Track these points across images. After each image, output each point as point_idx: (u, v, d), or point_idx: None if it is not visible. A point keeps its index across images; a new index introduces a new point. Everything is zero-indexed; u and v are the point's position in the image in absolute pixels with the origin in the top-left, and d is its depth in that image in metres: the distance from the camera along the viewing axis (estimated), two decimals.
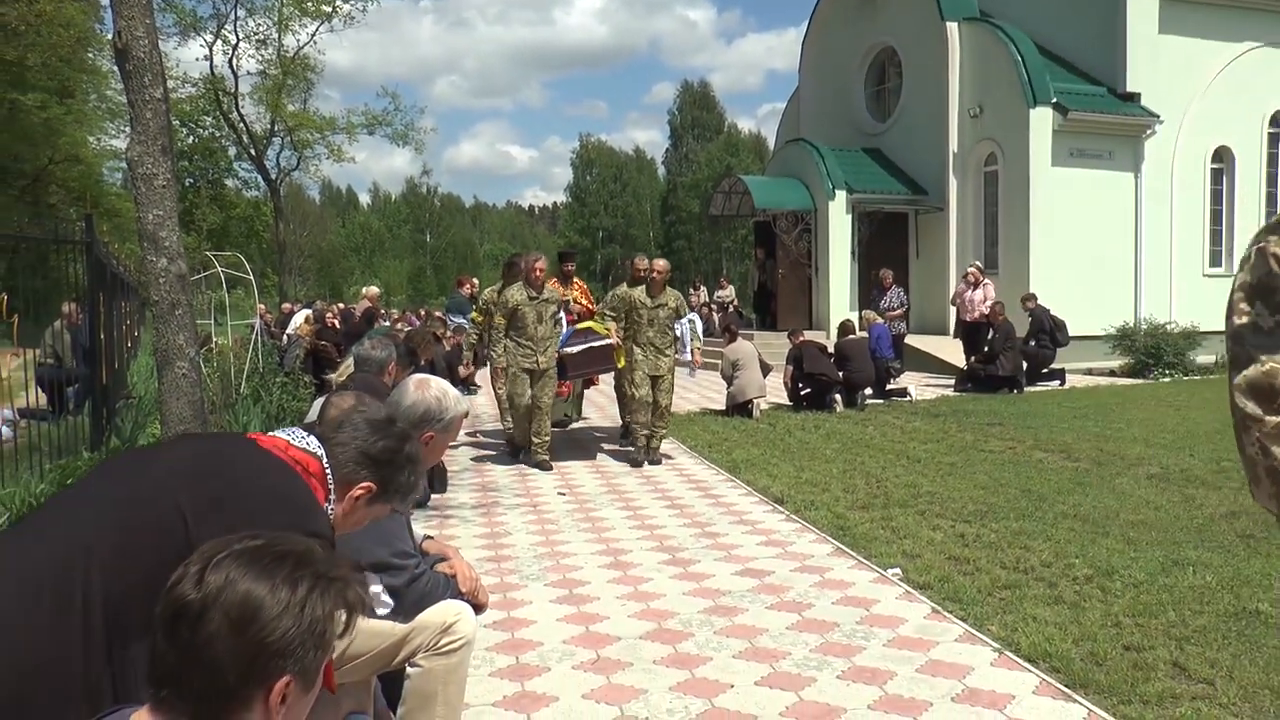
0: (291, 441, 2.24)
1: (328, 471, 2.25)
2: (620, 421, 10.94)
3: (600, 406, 13.60)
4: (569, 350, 9.64)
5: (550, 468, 9.26)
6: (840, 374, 13.14)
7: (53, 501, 2.13)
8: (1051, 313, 16.63)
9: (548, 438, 9.50)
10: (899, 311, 15.98)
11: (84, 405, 10.02)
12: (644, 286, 9.71)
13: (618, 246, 70.47)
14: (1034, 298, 16.99)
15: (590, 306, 10.91)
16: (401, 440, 2.39)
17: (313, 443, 2.26)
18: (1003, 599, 5.21)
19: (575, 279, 11.13)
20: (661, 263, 9.87)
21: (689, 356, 10.84)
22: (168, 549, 1.92)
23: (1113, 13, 20.05)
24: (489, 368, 10.26)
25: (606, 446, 10.52)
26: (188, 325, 6.86)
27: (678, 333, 10.03)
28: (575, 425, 12.02)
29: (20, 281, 9.56)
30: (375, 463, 2.33)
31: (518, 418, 9.56)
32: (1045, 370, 16.45)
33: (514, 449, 9.82)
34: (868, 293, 21.62)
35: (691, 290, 26.66)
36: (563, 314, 9.89)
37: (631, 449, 9.73)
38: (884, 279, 15.95)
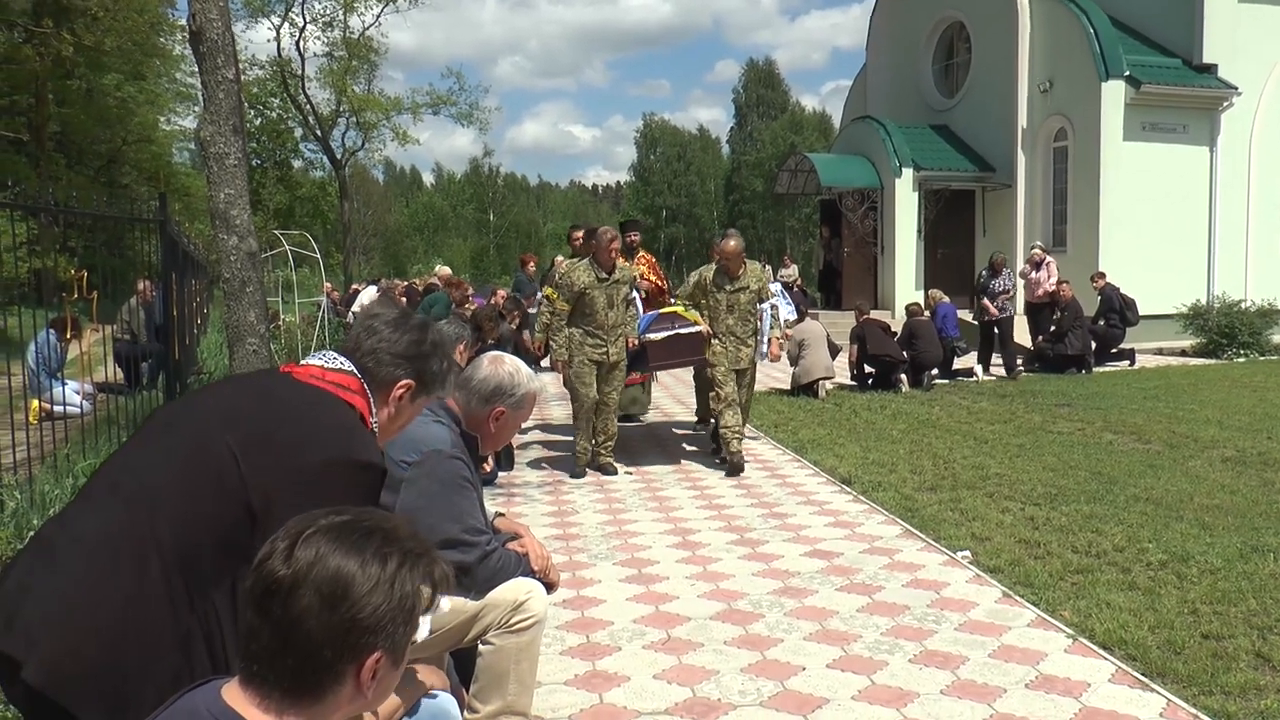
0: (326, 365, 2.27)
1: (365, 386, 2.28)
2: (696, 416, 10.18)
3: (667, 385, 13.58)
4: (652, 337, 8.36)
5: (615, 471, 8.17)
6: (905, 354, 13.03)
7: (109, 464, 2.17)
8: (1121, 291, 16.31)
9: (614, 437, 8.39)
10: (1011, 294, 15.12)
11: (157, 380, 10.23)
12: (719, 268, 8.47)
13: (681, 226, 70.32)
14: (1103, 276, 16.67)
15: (660, 283, 9.89)
16: (423, 330, 2.42)
17: (345, 362, 2.29)
18: (1075, 584, 5.13)
19: (643, 252, 10.00)
20: (732, 245, 8.41)
21: (765, 347, 9.28)
22: (223, 490, 1.96)
23: None
24: (550, 358, 8.86)
25: (687, 446, 9.46)
26: (258, 302, 6.98)
27: (765, 319, 8.86)
28: (649, 418, 11.02)
29: (99, 259, 9.81)
30: (406, 359, 2.36)
31: (582, 417, 8.26)
32: (1114, 350, 16.17)
33: (581, 456, 8.28)
34: (934, 271, 21.43)
35: None
36: (635, 294, 8.73)
37: (714, 447, 8.79)
38: (998, 262, 15.16)
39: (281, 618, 1.42)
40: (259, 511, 1.96)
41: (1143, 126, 19.33)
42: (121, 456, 2.15)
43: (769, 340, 9.23)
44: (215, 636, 1.94)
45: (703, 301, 8.48)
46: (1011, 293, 14.98)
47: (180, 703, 1.49)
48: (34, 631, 1.84)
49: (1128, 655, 4.18)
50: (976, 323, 15.29)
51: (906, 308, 14.14)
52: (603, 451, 8.29)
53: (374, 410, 2.29)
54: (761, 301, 8.68)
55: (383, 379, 2.34)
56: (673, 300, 9.25)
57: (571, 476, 8.07)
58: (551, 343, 8.34)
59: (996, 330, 14.70)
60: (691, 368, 9.59)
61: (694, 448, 9.40)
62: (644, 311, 8.92)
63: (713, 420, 8.89)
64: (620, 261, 8.35)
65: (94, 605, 1.87)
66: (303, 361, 2.32)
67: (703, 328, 8.28)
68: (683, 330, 8.32)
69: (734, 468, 8.13)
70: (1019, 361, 14.68)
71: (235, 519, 1.96)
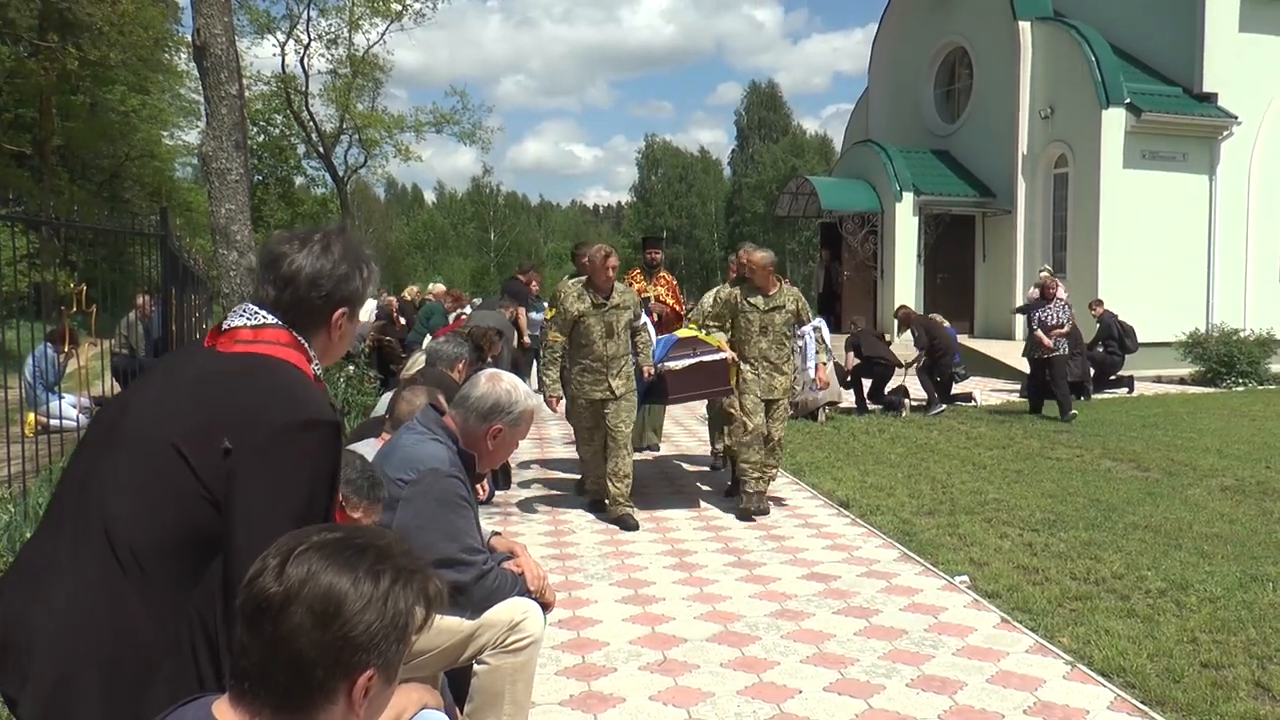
0: (250, 324, 2.11)
1: (297, 336, 2.14)
2: (710, 449, 9.27)
3: (670, 411, 13.54)
4: (672, 365, 7.35)
5: (636, 525, 6.96)
6: (902, 356, 13.35)
7: (67, 479, 2.09)
8: (1120, 318, 16.31)
9: (629, 478, 7.16)
10: (1067, 329, 12.91)
11: None
12: (746, 283, 7.48)
13: (682, 247, 70.52)
14: (1101, 303, 16.68)
15: (678, 308, 9.20)
16: (326, 249, 2.20)
17: (267, 315, 2.13)
18: (1074, 610, 5.11)
19: (662, 272, 9.34)
20: (760, 255, 7.42)
21: (812, 374, 8.49)
22: (179, 491, 1.90)
23: (1191, 12, 19.59)
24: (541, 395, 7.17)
25: (702, 486, 8.53)
26: None
27: (800, 344, 8.01)
28: (658, 453, 10.21)
29: (99, 273, 9.81)
30: (332, 292, 2.18)
31: (588, 461, 7.51)
32: (1113, 377, 16.13)
33: (591, 500, 7.59)
34: (933, 295, 21.46)
35: None
36: (645, 317, 7.72)
37: (729, 484, 8.00)
38: (1049, 284, 13.38)
39: (272, 635, 1.40)
40: (221, 499, 1.90)
41: (1143, 154, 19.37)
42: (77, 469, 2.06)
43: (815, 366, 8.72)
44: (211, 636, 1.91)
45: (729, 323, 7.49)
46: (1066, 327, 12.89)
47: (171, 719, 1.48)
48: (25, 666, 1.83)
49: (1126, 683, 4.16)
50: (1026, 358, 13.39)
51: (895, 311, 14.20)
52: (620, 499, 7.11)
53: (312, 356, 2.16)
54: (802, 324, 7.90)
55: (321, 315, 2.19)
56: (685, 326, 8.50)
57: (610, 522, 7.16)
58: (544, 377, 7.39)
59: (1047, 369, 12.63)
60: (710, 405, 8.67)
61: (706, 487, 8.66)
62: (658, 335, 8.05)
63: (721, 450, 8.41)
64: (630, 277, 7.66)
65: (79, 631, 1.84)
66: (224, 325, 2.15)
67: (728, 354, 7.31)
68: (706, 357, 7.33)
69: (743, 513, 7.24)
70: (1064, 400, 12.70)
71: (201, 514, 1.90)
